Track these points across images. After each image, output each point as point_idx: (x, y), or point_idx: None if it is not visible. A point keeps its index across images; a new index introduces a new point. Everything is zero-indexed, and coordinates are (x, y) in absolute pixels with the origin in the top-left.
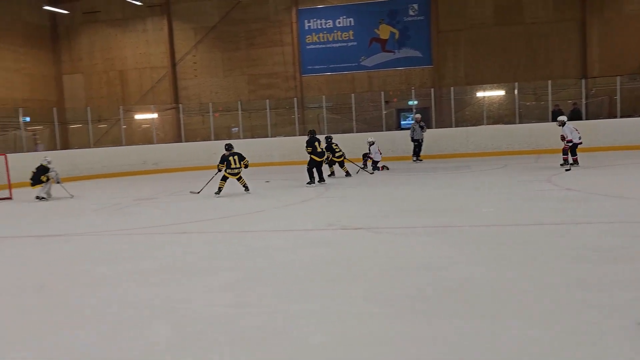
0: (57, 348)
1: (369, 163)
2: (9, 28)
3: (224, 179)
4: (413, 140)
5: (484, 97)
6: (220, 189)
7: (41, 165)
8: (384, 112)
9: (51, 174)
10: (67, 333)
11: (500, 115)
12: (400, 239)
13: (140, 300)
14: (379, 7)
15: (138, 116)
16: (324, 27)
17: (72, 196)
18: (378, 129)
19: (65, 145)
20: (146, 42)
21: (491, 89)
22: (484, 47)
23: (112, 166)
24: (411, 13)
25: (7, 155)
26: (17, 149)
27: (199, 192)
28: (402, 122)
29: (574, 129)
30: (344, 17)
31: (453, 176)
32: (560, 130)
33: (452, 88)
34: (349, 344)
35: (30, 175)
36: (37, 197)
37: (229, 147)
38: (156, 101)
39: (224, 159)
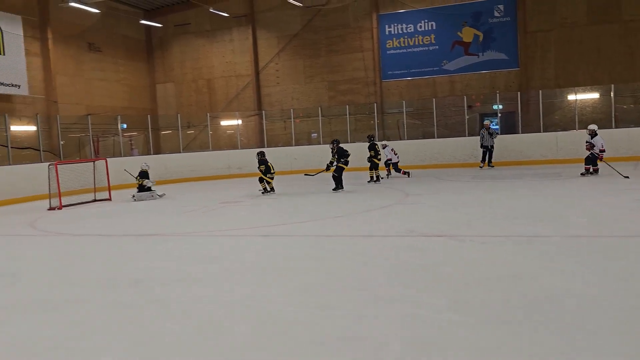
0: (145, 341)
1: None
2: (110, 42)
3: (262, 180)
4: (482, 146)
5: (576, 100)
6: (265, 189)
7: (142, 170)
8: (467, 116)
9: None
10: (156, 327)
11: (594, 119)
12: (484, 248)
13: (225, 299)
14: (462, 9)
15: (224, 122)
16: (405, 31)
17: (161, 195)
18: (460, 134)
19: (158, 150)
20: (232, 52)
21: (584, 91)
22: (576, 47)
23: (199, 170)
24: (496, 14)
25: (107, 159)
26: (115, 153)
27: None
28: None
29: (601, 139)
30: (425, 20)
31: (541, 183)
32: (587, 139)
33: (540, 91)
34: (431, 351)
35: (132, 177)
36: (102, 199)
37: (263, 154)
38: (240, 108)
39: (266, 163)
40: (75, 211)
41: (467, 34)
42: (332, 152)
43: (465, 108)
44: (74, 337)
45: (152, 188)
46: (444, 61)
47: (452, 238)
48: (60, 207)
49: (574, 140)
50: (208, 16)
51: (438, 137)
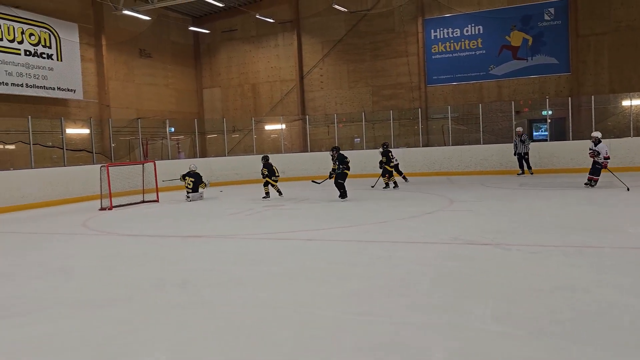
0: (191, 342)
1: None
2: (160, 48)
3: (267, 184)
4: (515, 154)
5: (631, 105)
6: (268, 194)
7: (196, 173)
8: (514, 122)
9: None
10: (202, 329)
11: None
12: (532, 257)
13: (270, 302)
14: (511, 13)
15: (268, 126)
16: (451, 36)
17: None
18: (507, 140)
19: (203, 153)
20: (277, 57)
21: None
22: (632, 51)
23: (243, 173)
24: (547, 18)
25: (155, 161)
26: (163, 156)
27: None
28: (535, 133)
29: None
30: (472, 25)
31: (592, 192)
32: (591, 146)
33: (592, 96)
34: None
35: (187, 184)
36: (149, 201)
37: (267, 159)
38: (284, 112)
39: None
40: (124, 212)
41: (516, 38)
42: (332, 159)
43: (513, 114)
44: (124, 334)
45: (201, 189)
46: (491, 66)
47: (499, 247)
48: (110, 208)
49: (629, 147)
50: (254, 22)
51: (484, 143)
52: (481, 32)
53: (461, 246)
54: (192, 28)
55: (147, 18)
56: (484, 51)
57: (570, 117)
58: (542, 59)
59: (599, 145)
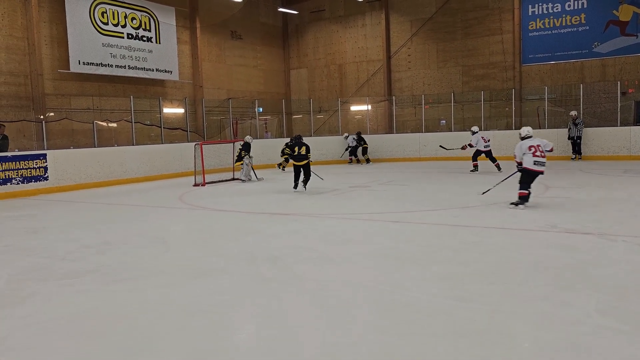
0: (283, 314)
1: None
2: (250, 30)
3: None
4: (569, 138)
5: None
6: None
7: (246, 142)
8: (620, 104)
9: (246, 159)
10: (293, 302)
11: None
12: (639, 250)
13: (359, 282)
14: None
15: (353, 107)
16: (551, 11)
17: (259, 179)
18: (612, 123)
19: (290, 134)
20: (364, 37)
21: None
22: None
23: (329, 154)
24: None
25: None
26: (252, 135)
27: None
28: None
29: None
30: None
31: None
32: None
33: None
34: (575, 355)
35: (237, 153)
36: (237, 179)
37: (298, 138)
38: (370, 93)
39: (291, 147)
40: (216, 188)
41: (625, 12)
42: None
43: (619, 95)
44: (220, 303)
45: (247, 163)
46: (595, 43)
47: (602, 237)
48: (204, 184)
49: None
50: (342, 2)
51: (585, 127)
52: (585, 6)
53: (559, 235)
54: (281, 9)
55: (238, 0)
56: (588, 27)
57: None
58: None
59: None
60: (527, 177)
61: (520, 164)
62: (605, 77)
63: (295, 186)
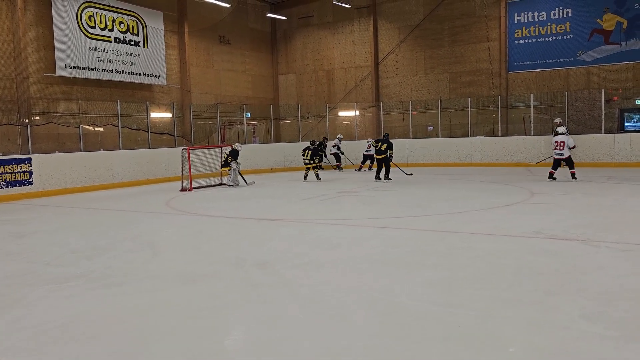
0: (272, 320)
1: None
2: (238, 35)
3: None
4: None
5: None
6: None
7: (233, 149)
8: (604, 112)
9: (233, 164)
10: (282, 308)
11: None
12: (624, 256)
13: (349, 287)
14: None
15: (341, 113)
16: (536, 20)
17: (235, 185)
18: (596, 130)
19: (278, 139)
20: (352, 43)
21: None
22: None
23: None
24: None
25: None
26: (239, 141)
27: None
28: (626, 124)
29: None
30: (560, 7)
31: None
32: None
33: None
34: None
35: (223, 158)
36: (224, 184)
37: (386, 136)
38: (358, 99)
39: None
40: (203, 193)
41: (609, 22)
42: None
43: (603, 102)
44: (208, 308)
45: (234, 168)
46: (580, 51)
47: (586, 242)
48: (191, 189)
49: None
50: (331, 8)
51: (570, 134)
52: (570, 15)
53: (544, 240)
54: (269, 15)
55: (227, 5)
56: (572, 36)
57: None
58: (638, 44)
59: None
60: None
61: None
62: (590, 85)
63: (377, 177)
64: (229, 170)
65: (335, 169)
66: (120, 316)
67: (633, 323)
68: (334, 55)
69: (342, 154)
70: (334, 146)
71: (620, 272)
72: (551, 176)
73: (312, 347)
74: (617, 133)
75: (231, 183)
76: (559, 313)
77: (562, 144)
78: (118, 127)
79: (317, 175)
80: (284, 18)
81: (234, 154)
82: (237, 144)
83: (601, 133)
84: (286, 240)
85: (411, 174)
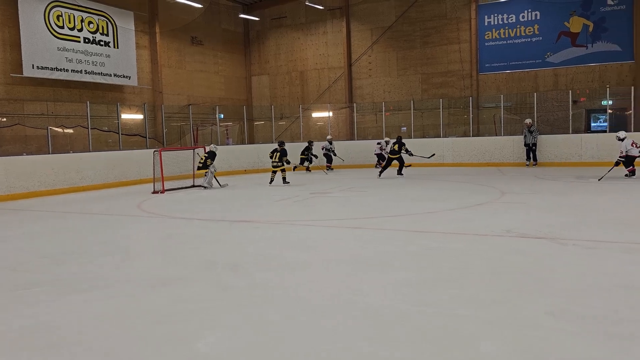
0: (245, 324)
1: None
2: (211, 35)
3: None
4: (525, 145)
5: None
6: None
7: (211, 151)
8: (571, 112)
9: (212, 167)
10: (255, 311)
11: None
12: (589, 253)
13: (322, 288)
14: None
15: (315, 114)
16: (506, 22)
17: (211, 187)
18: (564, 130)
19: (251, 140)
20: (325, 44)
21: None
22: None
23: (290, 160)
24: (610, 2)
25: (205, 147)
26: (212, 142)
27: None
28: (593, 124)
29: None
30: (529, 10)
31: None
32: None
33: None
34: (528, 357)
35: (200, 160)
36: (199, 186)
37: (399, 138)
38: (332, 100)
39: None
40: (175, 195)
41: (576, 24)
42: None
43: (570, 103)
44: (179, 313)
45: (211, 170)
46: (548, 53)
47: (553, 241)
48: (163, 191)
49: None
50: (303, 9)
51: (539, 134)
52: (538, 18)
53: (514, 239)
54: (242, 15)
55: (199, 6)
56: (541, 38)
57: (632, 108)
58: (604, 46)
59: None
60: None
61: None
62: (558, 86)
63: (380, 174)
64: (206, 172)
65: (325, 170)
66: (88, 323)
67: (596, 319)
68: (307, 57)
69: (335, 154)
70: (322, 148)
71: (585, 270)
72: (633, 173)
73: (285, 350)
74: (585, 133)
75: (206, 185)
76: (526, 311)
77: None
78: (88, 128)
79: (284, 179)
80: (256, 19)
81: (212, 155)
82: (213, 145)
83: (569, 133)
84: (259, 242)
85: (434, 154)
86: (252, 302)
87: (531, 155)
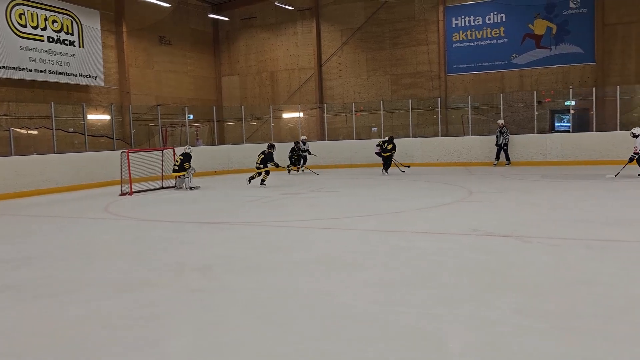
0: (212, 327)
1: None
2: (179, 35)
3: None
4: (496, 144)
5: None
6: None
7: (185, 152)
8: (536, 112)
9: (191, 170)
10: (224, 314)
11: None
12: (554, 250)
13: (291, 289)
14: (535, 1)
15: (286, 115)
16: (473, 24)
17: (194, 187)
18: (529, 130)
19: (221, 141)
20: (295, 45)
21: None
22: None
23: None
24: (572, 5)
25: (174, 148)
26: (182, 143)
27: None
28: (557, 124)
29: None
30: (495, 12)
31: (617, 185)
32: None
33: (618, 87)
34: (495, 354)
35: (175, 163)
36: (174, 187)
37: (391, 137)
38: (302, 100)
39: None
40: (144, 197)
41: (539, 27)
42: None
43: (535, 104)
44: (145, 317)
45: (190, 173)
46: (514, 55)
47: (519, 239)
48: (130, 193)
49: None
50: (273, 9)
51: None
52: (504, 20)
53: (481, 238)
54: (211, 15)
55: (167, 5)
56: (506, 40)
57: (594, 108)
58: (566, 48)
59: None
60: None
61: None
62: (523, 87)
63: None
64: (185, 175)
65: (297, 170)
66: (51, 330)
67: (561, 315)
68: (278, 57)
69: (310, 153)
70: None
71: (550, 267)
72: None
73: (253, 352)
74: (549, 133)
75: (191, 185)
76: (493, 308)
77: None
78: (52, 129)
79: (262, 181)
80: (226, 19)
81: (187, 157)
82: (187, 147)
83: (534, 133)
84: (228, 244)
85: (408, 167)
86: (221, 305)
87: (502, 155)
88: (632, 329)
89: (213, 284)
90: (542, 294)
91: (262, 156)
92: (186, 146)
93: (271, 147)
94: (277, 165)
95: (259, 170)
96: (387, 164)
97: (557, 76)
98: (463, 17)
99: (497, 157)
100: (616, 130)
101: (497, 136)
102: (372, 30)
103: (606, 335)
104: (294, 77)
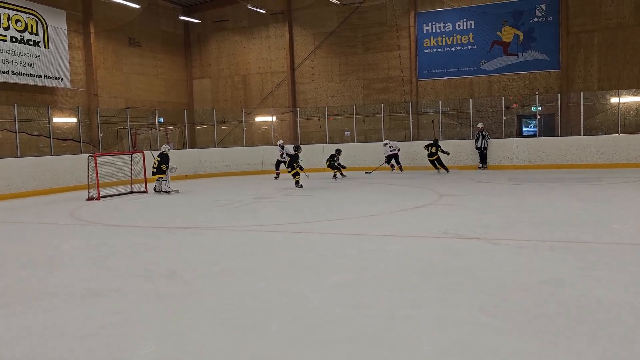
0: (179, 333)
1: None
2: (150, 37)
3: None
4: (477, 148)
5: (619, 102)
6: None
7: (163, 152)
8: (504, 117)
9: (171, 167)
10: (191, 319)
11: (638, 123)
12: (520, 252)
13: (260, 294)
14: (503, 8)
15: (258, 118)
16: (443, 30)
17: (172, 192)
18: (497, 135)
19: (193, 145)
20: (268, 48)
21: (628, 94)
22: (622, 49)
23: (233, 165)
24: (538, 14)
25: (144, 152)
26: (152, 146)
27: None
28: (524, 129)
29: None
30: (464, 19)
31: (580, 188)
32: None
33: (582, 93)
34: (462, 354)
35: (154, 164)
36: (137, 192)
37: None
38: (275, 104)
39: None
40: (112, 202)
41: (507, 34)
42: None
43: (503, 109)
44: (111, 325)
45: (170, 174)
46: (482, 61)
47: (487, 241)
48: (98, 198)
49: (617, 144)
50: (246, 12)
51: (474, 138)
52: (473, 27)
53: (450, 240)
54: (182, 17)
55: (137, 6)
56: (476, 46)
57: (559, 113)
58: (533, 55)
59: None
60: None
61: None
62: (492, 93)
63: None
64: (164, 177)
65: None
66: (9, 340)
67: (526, 315)
68: (250, 60)
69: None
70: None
71: (516, 268)
72: None
73: (221, 357)
74: (516, 138)
75: (168, 189)
76: (460, 309)
77: None
78: (15, 132)
79: (297, 183)
80: (197, 21)
81: (165, 158)
82: (165, 146)
83: (502, 137)
84: (198, 248)
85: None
86: (189, 310)
87: (482, 158)
88: (595, 328)
89: (181, 290)
90: (510, 295)
91: (289, 159)
92: (164, 145)
93: (297, 148)
94: (302, 169)
95: (292, 173)
96: (440, 164)
97: (524, 82)
98: (434, 23)
99: (481, 161)
100: (580, 135)
101: (477, 140)
102: (344, 34)
103: (569, 335)
104: (267, 81)
